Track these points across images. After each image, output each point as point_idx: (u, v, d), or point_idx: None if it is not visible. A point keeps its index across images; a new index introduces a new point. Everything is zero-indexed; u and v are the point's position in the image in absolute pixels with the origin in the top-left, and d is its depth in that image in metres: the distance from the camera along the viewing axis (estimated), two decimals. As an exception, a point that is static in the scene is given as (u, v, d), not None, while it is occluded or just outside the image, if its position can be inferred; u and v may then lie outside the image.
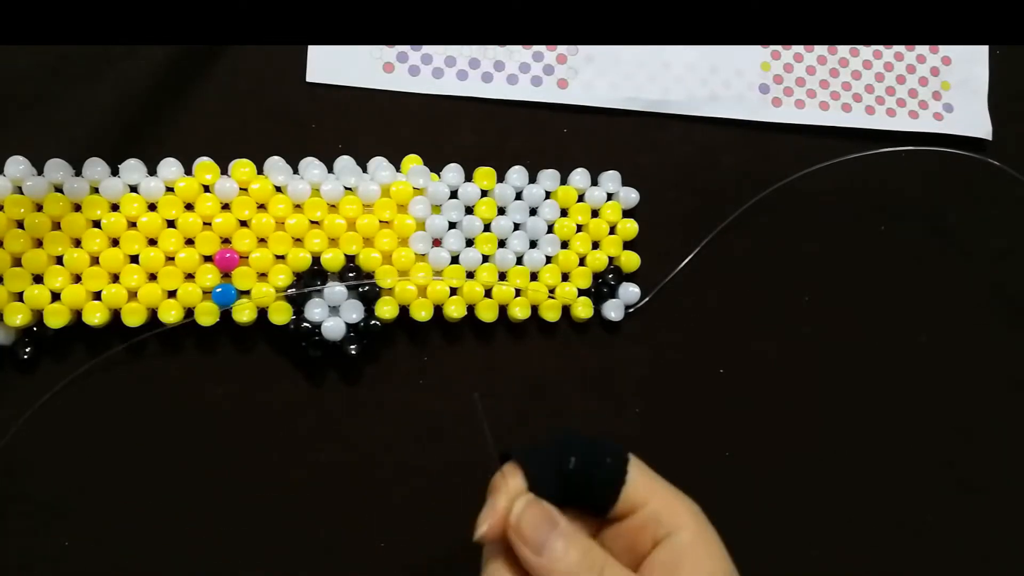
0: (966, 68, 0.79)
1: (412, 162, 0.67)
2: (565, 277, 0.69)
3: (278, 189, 0.64)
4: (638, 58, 0.73)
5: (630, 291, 0.70)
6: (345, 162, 0.66)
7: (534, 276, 0.68)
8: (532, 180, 0.69)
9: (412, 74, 0.70)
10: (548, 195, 0.69)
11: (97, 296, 0.62)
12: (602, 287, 0.70)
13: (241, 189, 0.63)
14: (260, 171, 0.64)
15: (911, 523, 0.75)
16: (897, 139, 0.76)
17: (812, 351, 0.75)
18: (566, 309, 0.70)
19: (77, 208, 0.62)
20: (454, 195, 0.67)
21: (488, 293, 0.67)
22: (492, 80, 0.71)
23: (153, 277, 0.63)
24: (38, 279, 0.61)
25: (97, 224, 0.62)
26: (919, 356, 0.77)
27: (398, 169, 0.67)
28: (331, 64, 0.69)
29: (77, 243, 0.62)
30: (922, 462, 0.76)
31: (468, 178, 0.68)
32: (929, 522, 0.75)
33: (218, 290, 0.62)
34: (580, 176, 0.69)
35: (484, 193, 0.68)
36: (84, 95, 0.65)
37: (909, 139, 0.76)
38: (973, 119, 0.78)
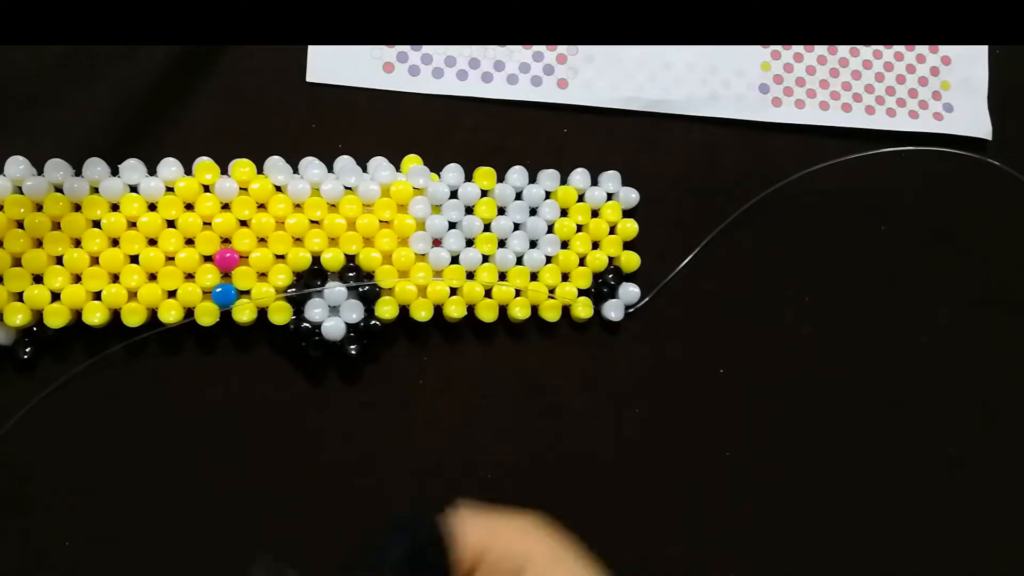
0: (966, 68, 0.78)
1: (412, 162, 0.67)
2: (565, 277, 0.69)
3: (278, 189, 0.64)
4: (638, 58, 0.73)
5: (630, 291, 0.70)
6: (345, 162, 0.66)
7: (534, 276, 0.68)
8: (532, 180, 0.69)
9: (412, 74, 0.69)
10: (548, 195, 0.69)
11: (97, 296, 0.62)
12: (602, 287, 0.70)
13: (241, 189, 0.63)
14: (260, 171, 0.64)
15: (911, 524, 0.75)
16: (897, 139, 0.76)
17: (812, 351, 0.75)
18: (566, 309, 0.69)
19: (77, 208, 0.61)
20: (454, 195, 0.67)
21: (488, 293, 0.67)
22: (492, 80, 0.71)
23: (153, 277, 0.62)
24: (38, 279, 0.61)
25: (97, 224, 0.62)
26: (919, 356, 0.76)
27: (398, 169, 0.67)
28: (331, 64, 0.68)
29: (77, 243, 0.62)
30: (922, 462, 0.76)
31: (468, 178, 0.68)
32: (930, 523, 0.75)
33: (218, 290, 0.62)
34: (580, 176, 0.69)
35: (484, 193, 0.68)
36: (84, 95, 0.65)
37: (909, 139, 0.76)
38: (973, 119, 0.78)
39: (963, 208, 0.78)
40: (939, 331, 0.77)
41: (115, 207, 0.62)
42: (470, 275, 0.67)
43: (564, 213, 0.69)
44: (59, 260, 0.61)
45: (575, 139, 0.72)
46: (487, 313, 0.67)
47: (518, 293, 0.68)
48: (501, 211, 0.68)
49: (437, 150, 0.69)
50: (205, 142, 0.66)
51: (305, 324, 0.63)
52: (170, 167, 0.63)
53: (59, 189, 0.61)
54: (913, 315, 0.77)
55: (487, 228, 0.67)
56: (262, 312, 0.64)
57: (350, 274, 0.64)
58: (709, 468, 0.72)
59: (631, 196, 0.70)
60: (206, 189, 0.63)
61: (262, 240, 0.64)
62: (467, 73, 0.70)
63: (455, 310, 0.66)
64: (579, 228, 0.69)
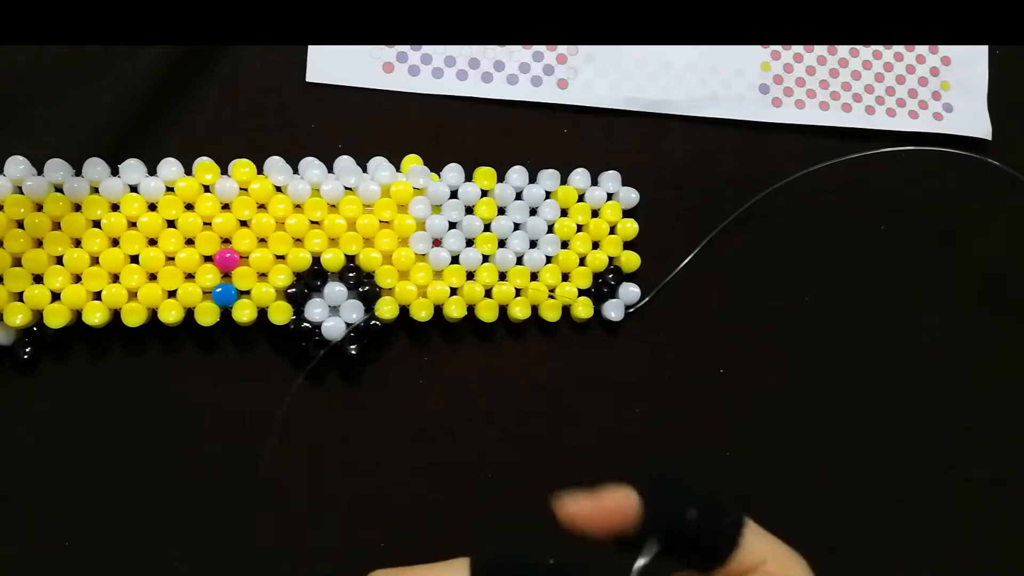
0: (966, 68, 0.78)
1: (412, 162, 0.67)
2: (565, 277, 0.69)
3: (278, 189, 0.64)
4: (638, 58, 0.72)
5: (630, 291, 0.70)
6: (345, 162, 0.66)
7: (534, 276, 0.68)
8: (532, 180, 0.69)
9: (412, 74, 0.69)
10: (548, 195, 0.69)
11: (97, 296, 0.62)
12: (602, 287, 0.70)
13: (241, 189, 0.63)
14: (260, 171, 0.64)
15: (912, 524, 0.75)
16: (897, 139, 0.75)
17: (812, 351, 0.75)
18: (566, 309, 0.69)
19: (77, 208, 0.61)
20: (454, 195, 0.67)
21: (488, 293, 0.67)
22: (492, 80, 0.70)
23: (153, 277, 0.62)
24: (38, 279, 0.61)
25: (97, 224, 0.62)
26: (919, 356, 0.76)
27: (398, 169, 0.67)
28: (331, 64, 0.68)
29: (77, 243, 0.62)
30: (923, 462, 0.76)
31: (468, 178, 0.67)
32: (930, 522, 0.75)
33: (218, 290, 0.62)
34: (580, 176, 0.69)
35: (484, 193, 0.68)
36: (84, 95, 0.65)
37: (909, 139, 0.76)
38: (973, 119, 0.77)
39: (963, 208, 0.78)
40: (939, 331, 0.77)
41: (115, 207, 0.62)
42: (470, 275, 0.67)
43: (564, 213, 0.69)
44: (59, 260, 0.61)
45: (575, 139, 0.72)
46: (487, 313, 0.67)
47: (518, 293, 0.68)
48: (501, 211, 0.68)
49: (437, 150, 0.69)
50: (205, 142, 0.66)
51: (305, 324, 0.63)
52: (170, 167, 0.63)
53: (59, 189, 0.61)
54: (913, 315, 0.77)
55: (487, 228, 0.67)
56: (262, 312, 0.64)
57: (350, 274, 0.64)
58: (709, 468, 0.72)
59: (631, 196, 0.70)
60: (206, 189, 0.63)
61: (262, 240, 0.64)
62: (467, 73, 0.70)
63: (455, 310, 0.66)
64: (579, 228, 0.69)
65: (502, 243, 0.68)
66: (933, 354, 0.77)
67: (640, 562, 0.44)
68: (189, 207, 0.63)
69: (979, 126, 0.78)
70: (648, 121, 0.73)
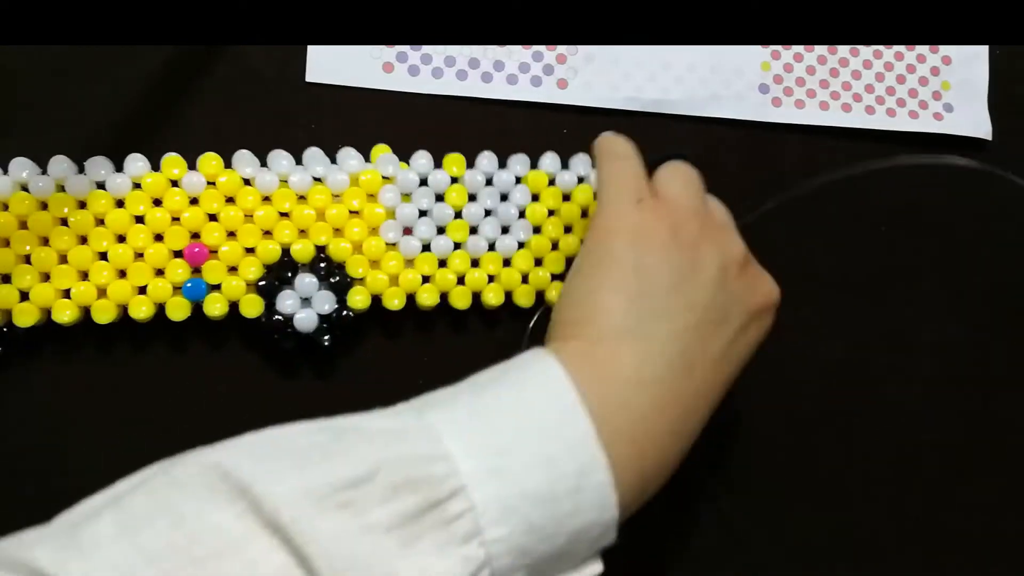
0: (966, 68, 0.58)
1: (381, 151, 0.48)
2: (539, 262, 0.48)
3: (246, 182, 0.45)
4: (638, 58, 0.53)
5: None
6: (313, 152, 0.47)
7: (507, 262, 0.48)
8: (502, 166, 0.49)
9: (412, 74, 0.51)
10: (518, 180, 0.48)
11: (66, 294, 0.44)
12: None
13: (209, 183, 0.45)
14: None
15: (913, 524, 0.55)
16: (897, 139, 0.56)
17: (813, 352, 0.55)
18: (540, 295, 0.49)
19: (44, 206, 0.44)
20: (424, 183, 0.47)
21: (461, 280, 0.47)
22: (492, 80, 0.51)
23: (123, 274, 0.44)
24: (6, 278, 0.44)
25: (64, 222, 0.44)
26: (920, 356, 0.56)
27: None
28: (331, 64, 0.50)
29: (44, 241, 0.44)
30: (923, 462, 0.56)
31: (438, 165, 0.48)
32: (931, 522, 0.55)
33: (188, 285, 0.44)
34: (549, 160, 0.49)
35: (455, 180, 0.47)
36: (84, 95, 0.47)
37: (909, 139, 0.56)
38: (973, 119, 0.57)
39: (963, 209, 0.58)
40: (940, 331, 0.57)
41: (82, 204, 0.44)
42: (442, 263, 0.47)
43: (535, 198, 0.48)
44: (27, 259, 0.44)
45: (575, 139, 0.52)
46: (460, 300, 0.47)
47: (491, 279, 0.48)
48: (472, 198, 0.47)
49: (436, 150, 0.49)
50: (205, 142, 0.47)
51: (277, 316, 0.45)
52: (136, 163, 0.44)
53: (25, 188, 0.44)
54: (914, 315, 0.57)
55: (458, 215, 0.47)
56: (233, 305, 0.45)
57: (320, 265, 0.45)
58: (709, 468, 0.52)
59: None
60: (174, 184, 0.45)
61: (231, 234, 0.45)
62: (467, 73, 0.51)
63: (427, 298, 0.47)
64: (551, 213, 0.49)
65: (474, 230, 0.48)
66: (933, 354, 0.57)
67: None
68: (157, 203, 0.44)
69: (979, 126, 0.57)
70: (648, 121, 0.53)
